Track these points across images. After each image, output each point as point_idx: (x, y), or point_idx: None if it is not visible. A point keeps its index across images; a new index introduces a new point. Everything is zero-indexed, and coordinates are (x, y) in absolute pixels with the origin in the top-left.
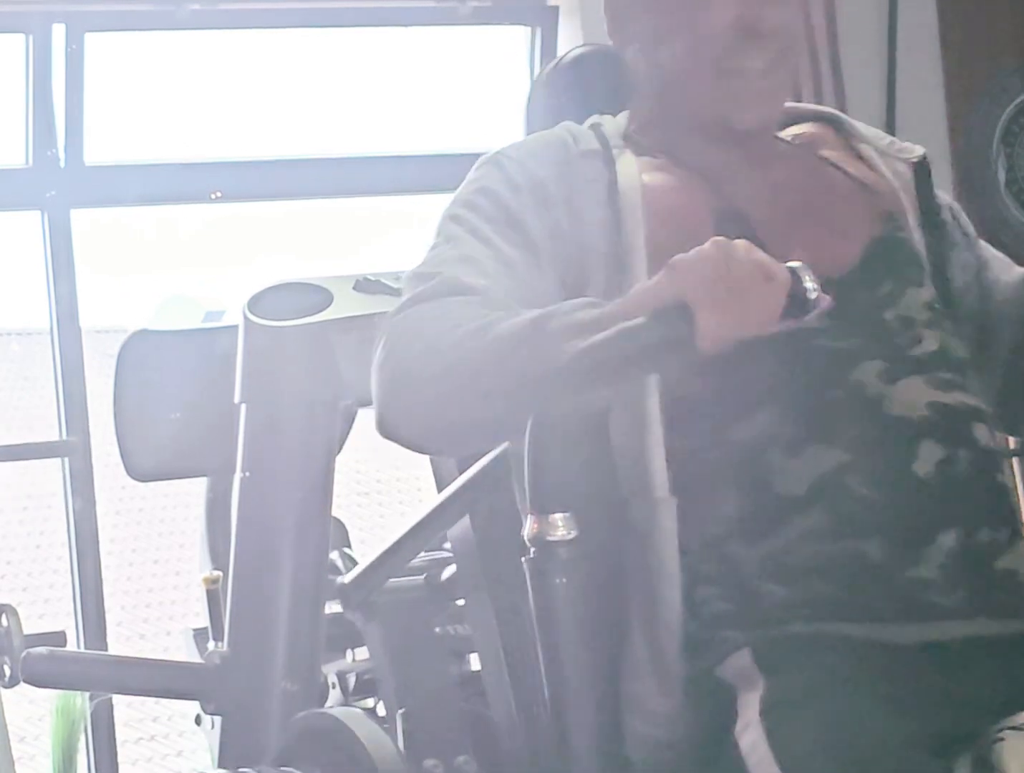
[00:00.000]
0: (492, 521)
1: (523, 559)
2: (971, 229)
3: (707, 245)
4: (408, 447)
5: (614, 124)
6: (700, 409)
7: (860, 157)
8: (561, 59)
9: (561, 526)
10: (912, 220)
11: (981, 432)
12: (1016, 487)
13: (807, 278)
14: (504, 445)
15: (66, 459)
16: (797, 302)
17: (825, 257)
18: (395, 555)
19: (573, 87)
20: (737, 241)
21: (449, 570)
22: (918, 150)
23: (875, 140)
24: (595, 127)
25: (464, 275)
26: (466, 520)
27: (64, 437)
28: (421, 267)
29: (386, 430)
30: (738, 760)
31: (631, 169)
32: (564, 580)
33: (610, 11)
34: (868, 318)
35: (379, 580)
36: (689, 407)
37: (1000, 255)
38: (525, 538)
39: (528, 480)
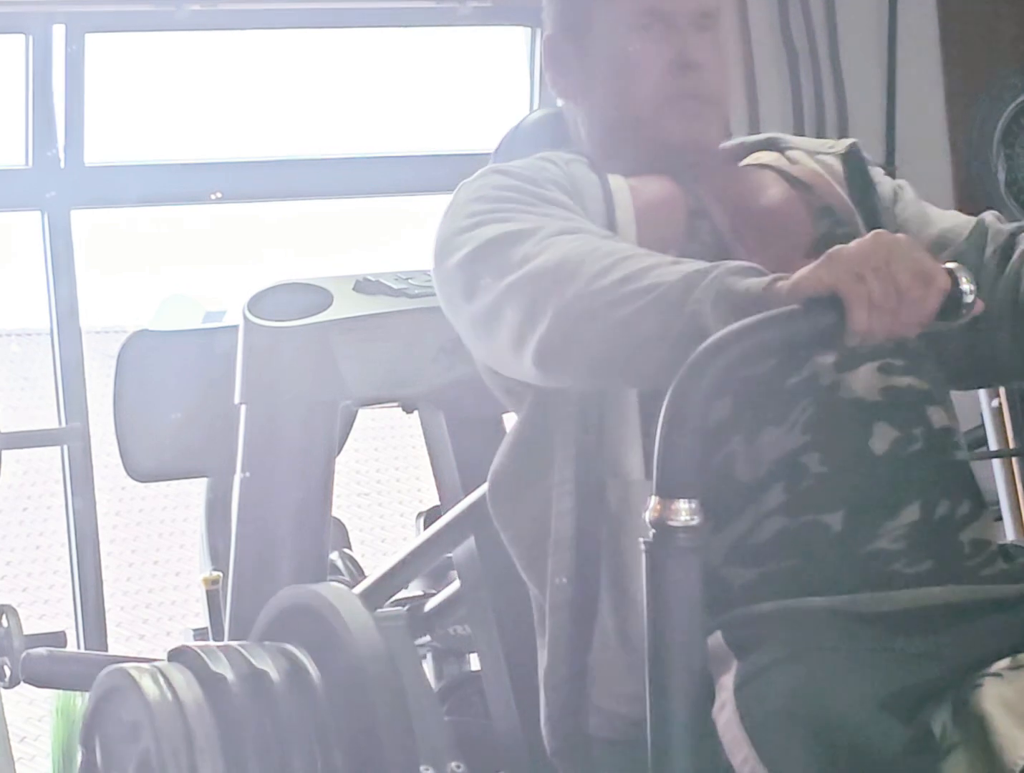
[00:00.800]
0: (497, 540)
1: (641, 541)
2: (912, 195)
3: (868, 238)
4: (566, 376)
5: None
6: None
7: (793, 162)
8: (523, 121)
9: (684, 512)
10: (849, 204)
11: (935, 413)
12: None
13: (964, 280)
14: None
15: (66, 456)
16: (952, 305)
17: (777, 252)
18: (385, 583)
19: (535, 144)
20: (899, 236)
21: (432, 602)
22: (845, 143)
23: (805, 145)
24: (567, 149)
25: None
26: (471, 539)
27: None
28: (500, 233)
29: (551, 354)
30: (715, 740)
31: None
32: (681, 566)
33: (551, 64)
34: None
35: (372, 605)
36: (660, 397)
37: (948, 212)
38: (646, 519)
39: (657, 462)
